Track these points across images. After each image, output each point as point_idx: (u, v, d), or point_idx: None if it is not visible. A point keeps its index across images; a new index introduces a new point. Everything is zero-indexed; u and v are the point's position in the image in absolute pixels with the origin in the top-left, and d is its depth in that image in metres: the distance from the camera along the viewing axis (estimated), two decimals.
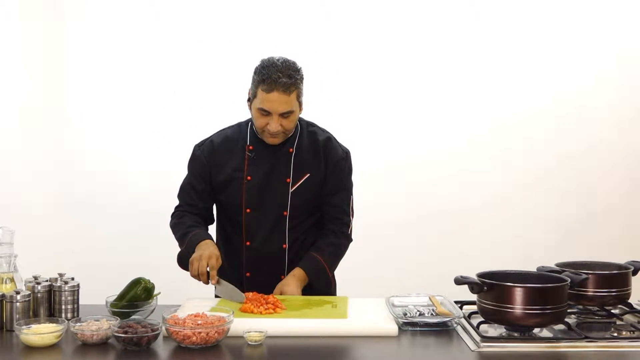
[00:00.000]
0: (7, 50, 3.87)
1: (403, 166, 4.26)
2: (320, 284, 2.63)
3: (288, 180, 2.62)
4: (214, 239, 2.65)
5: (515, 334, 2.05)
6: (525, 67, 4.29)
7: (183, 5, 4.21)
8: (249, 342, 1.98)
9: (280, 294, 2.49)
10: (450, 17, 4.27)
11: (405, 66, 4.27)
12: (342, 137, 2.79)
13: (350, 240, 2.73)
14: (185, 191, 2.72)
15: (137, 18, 4.22)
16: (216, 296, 2.54)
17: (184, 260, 2.55)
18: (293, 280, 2.55)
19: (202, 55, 4.22)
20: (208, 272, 2.40)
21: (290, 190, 2.62)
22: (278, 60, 2.50)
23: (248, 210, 2.62)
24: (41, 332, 1.97)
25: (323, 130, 2.74)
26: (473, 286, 2.07)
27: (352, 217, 2.74)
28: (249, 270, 2.64)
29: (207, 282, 2.41)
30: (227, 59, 4.19)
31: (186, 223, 2.62)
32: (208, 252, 2.43)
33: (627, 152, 4.33)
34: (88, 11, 4.21)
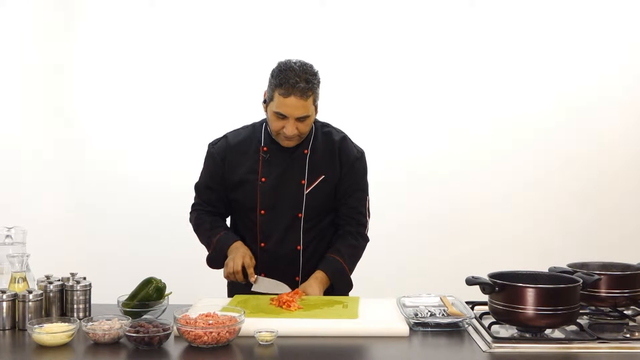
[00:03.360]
0: (20, 52, 3.89)
1: (413, 166, 4.26)
2: (341, 286, 2.63)
3: (303, 182, 2.61)
4: None
5: (527, 335, 2.04)
6: (533, 66, 4.29)
7: (191, 8, 4.23)
8: (260, 342, 1.98)
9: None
10: (454, 18, 4.27)
11: (408, 67, 4.28)
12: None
13: (367, 240, 2.73)
14: (201, 189, 2.73)
15: (144, 21, 4.25)
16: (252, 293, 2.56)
17: (213, 263, 2.64)
18: (315, 282, 2.55)
19: (213, 58, 4.25)
20: (244, 271, 2.50)
21: (305, 192, 2.62)
22: (295, 63, 2.48)
23: (262, 212, 2.62)
24: (53, 332, 1.98)
25: (338, 131, 2.73)
26: (484, 287, 2.06)
27: (369, 217, 2.74)
28: (264, 272, 2.63)
29: (242, 280, 2.50)
30: (238, 61, 4.23)
31: (206, 224, 2.67)
32: (241, 252, 2.52)
33: (637, 151, 4.31)
34: (98, 14, 4.24)
